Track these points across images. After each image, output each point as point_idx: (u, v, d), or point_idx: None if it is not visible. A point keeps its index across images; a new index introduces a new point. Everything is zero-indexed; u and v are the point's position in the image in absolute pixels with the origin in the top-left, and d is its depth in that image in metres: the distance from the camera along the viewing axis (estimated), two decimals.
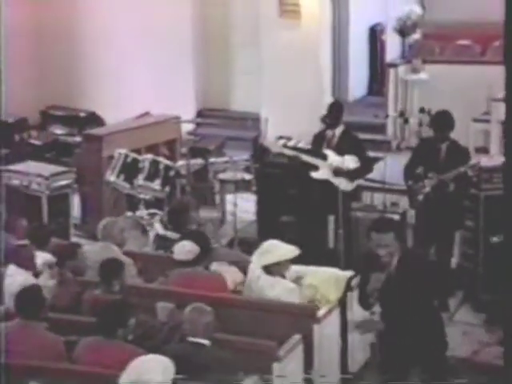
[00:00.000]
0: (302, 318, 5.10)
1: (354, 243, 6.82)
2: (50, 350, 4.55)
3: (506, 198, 3.83)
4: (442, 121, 6.45)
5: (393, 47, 9.57)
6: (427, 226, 6.38)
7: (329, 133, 7.03)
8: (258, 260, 5.32)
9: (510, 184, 3.69)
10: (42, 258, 5.58)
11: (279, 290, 5.22)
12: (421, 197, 6.34)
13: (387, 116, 8.96)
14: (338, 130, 7.00)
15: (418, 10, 9.14)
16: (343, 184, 6.84)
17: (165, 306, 5.17)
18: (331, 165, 6.87)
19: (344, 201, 6.80)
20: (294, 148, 7.21)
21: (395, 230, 4.46)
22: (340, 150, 6.91)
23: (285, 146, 7.26)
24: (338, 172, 6.85)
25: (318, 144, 7.07)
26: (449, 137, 6.39)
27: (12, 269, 5.39)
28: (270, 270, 5.26)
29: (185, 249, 5.42)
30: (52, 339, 4.63)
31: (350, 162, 6.87)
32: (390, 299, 4.42)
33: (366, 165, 7.00)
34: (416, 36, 9.28)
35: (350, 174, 6.86)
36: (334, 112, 7.01)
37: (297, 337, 4.91)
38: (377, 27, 10.20)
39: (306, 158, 6.91)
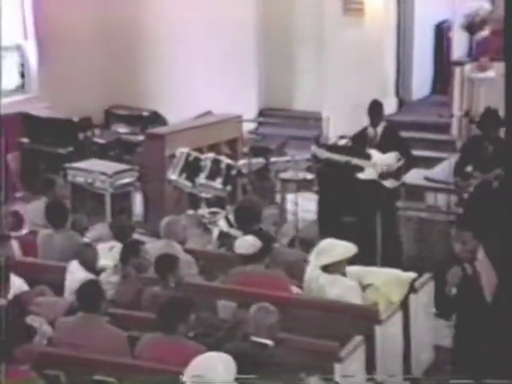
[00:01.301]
0: (363, 319, 5.06)
1: (418, 244, 6.73)
2: (113, 344, 4.63)
3: (506, 199, 3.75)
4: (488, 119, 6.38)
5: (459, 45, 9.40)
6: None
7: (370, 131, 7.06)
8: (315, 260, 5.31)
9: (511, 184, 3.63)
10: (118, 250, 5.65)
11: (339, 288, 5.21)
12: (466, 195, 6.27)
13: (452, 115, 8.82)
14: (380, 128, 7.02)
15: (486, 5, 8.95)
16: (389, 182, 6.84)
17: (226, 304, 5.20)
18: (376, 164, 6.86)
19: (391, 198, 6.79)
20: (342, 149, 7.21)
21: (475, 228, 4.39)
22: (382, 148, 6.93)
23: (332, 148, 7.28)
24: (383, 171, 6.85)
25: (360, 143, 7.09)
26: (497, 135, 6.31)
27: (74, 265, 5.50)
28: (328, 268, 5.26)
29: (247, 242, 5.45)
30: (115, 333, 4.71)
31: (394, 159, 6.85)
32: (469, 299, 4.32)
33: (410, 161, 6.98)
34: (484, 33, 9.09)
35: (395, 172, 6.84)
36: (375, 110, 7.03)
37: (358, 338, 4.87)
38: (443, 24, 10.01)
39: (348, 160, 6.91)
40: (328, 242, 5.34)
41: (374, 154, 6.94)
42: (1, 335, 4.30)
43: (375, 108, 7.10)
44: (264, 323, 4.44)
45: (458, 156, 6.63)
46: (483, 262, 4.20)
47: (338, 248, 5.29)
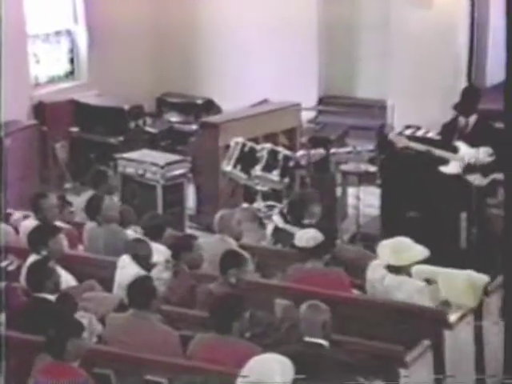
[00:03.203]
0: (431, 322, 4.98)
1: (491, 242, 6.59)
2: (165, 343, 4.65)
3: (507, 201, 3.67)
4: None
5: None
6: None
7: (461, 121, 6.82)
8: (385, 257, 5.23)
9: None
10: (156, 249, 5.71)
11: (408, 289, 5.14)
12: None
13: None
14: (472, 119, 6.78)
15: None
16: (477, 179, 6.64)
17: (283, 303, 5.18)
18: (463, 158, 6.68)
19: (478, 197, 6.59)
20: (422, 140, 7.04)
21: None
22: (473, 141, 6.70)
23: (412, 138, 7.11)
24: (470, 166, 6.65)
25: (449, 134, 6.89)
26: None
27: (125, 260, 5.55)
28: (396, 269, 5.18)
29: (307, 235, 5.45)
30: (167, 333, 4.72)
31: (484, 154, 6.65)
32: None
33: (503, 158, 6.75)
34: None
35: (484, 168, 6.65)
36: (468, 98, 6.78)
37: (426, 343, 4.79)
38: None
39: (435, 151, 6.75)
40: (401, 242, 5.27)
41: (462, 146, 6.72)
42: (51, 330, 4.37)
43: (469, 95, 6.78)
44: (316, 321, 4.42)
45: None
46: None
47: (412, 250, 5.24)
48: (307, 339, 4.40)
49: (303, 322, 4.47)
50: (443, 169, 6.79)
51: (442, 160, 6.79)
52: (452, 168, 6.76)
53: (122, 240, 5.98)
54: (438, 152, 6.75)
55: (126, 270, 5.46)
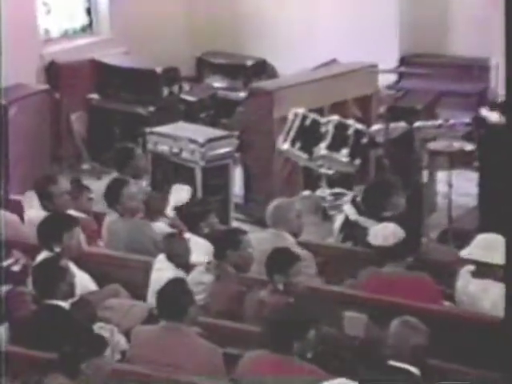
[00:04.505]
0: None
1: None
2: (205, 363, 4.68)
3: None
4: None
5: None
6: None
7: None
8: (471, 251, 5.23)
9: None
10: (195, 244, 5.74)
11: (494, 293, 5.11)
12: None
13: None
14: None
15: None
16: None
17: (354, 316, 5.19)
18: None
19: None
20: None
21: None
22: None
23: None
24: None
25: None
26: None
27: (161, 261, 5.60)
28: (482, 272, 5.19)
29: (386, 231, 5.45)
30: (208, 349, 4.75)
31: None
32: None
33: None
34: None
35: None
36: None
37: None
38: None
39: None
40: (495, 238, 5.23)
41: None
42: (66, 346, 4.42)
43: None
44: (409, 343, 4.42)
45: None
46: None
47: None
48: (392, 363, 4.41)
49: (392, 341, 4.48)
50: None
51: None
52: None
53: (147, 236, 6.06)
54: None
55: (163, 272, 5.52)
